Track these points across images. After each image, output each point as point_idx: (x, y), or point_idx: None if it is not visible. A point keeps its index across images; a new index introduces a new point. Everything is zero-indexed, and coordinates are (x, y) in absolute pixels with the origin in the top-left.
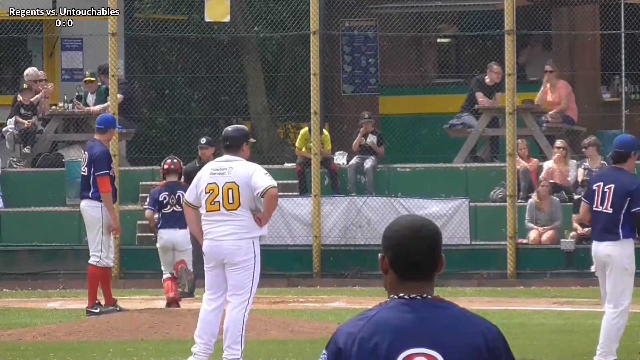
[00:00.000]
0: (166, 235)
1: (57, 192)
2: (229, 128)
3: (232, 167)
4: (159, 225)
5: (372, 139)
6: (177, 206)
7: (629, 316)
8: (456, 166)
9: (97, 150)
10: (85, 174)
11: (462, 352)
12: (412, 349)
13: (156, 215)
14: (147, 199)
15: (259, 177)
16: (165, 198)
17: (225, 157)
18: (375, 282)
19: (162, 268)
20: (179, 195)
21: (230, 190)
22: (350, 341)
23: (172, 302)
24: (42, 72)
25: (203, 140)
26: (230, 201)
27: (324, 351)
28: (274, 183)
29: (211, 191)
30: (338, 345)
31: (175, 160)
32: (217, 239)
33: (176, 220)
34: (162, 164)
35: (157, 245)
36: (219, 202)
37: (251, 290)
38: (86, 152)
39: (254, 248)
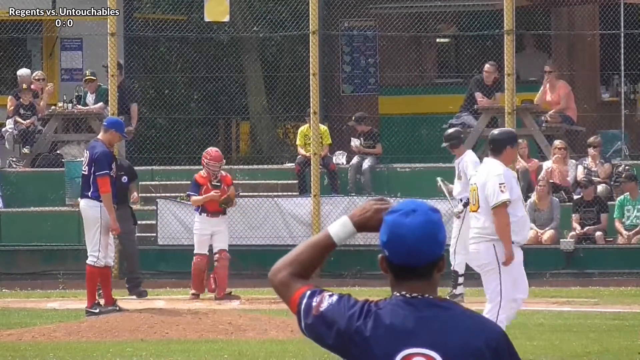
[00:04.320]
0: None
1: (57, 192)
2: (495, 130)
3: (483, 167)
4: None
5: (354, 142)
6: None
7: (629, 316)
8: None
9: (98, 150)
10: (86, 173)
11: (463, 354)
12: (411, 348)
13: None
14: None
15: (490, 188)
16: None
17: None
18: (375, 282)
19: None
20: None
21: (473, 192)
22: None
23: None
24: (40, 72)
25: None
26: (473, 202)
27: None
28: (504, 197)
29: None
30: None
31: (214, 150)
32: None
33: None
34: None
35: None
36: (474, 203)
37: (501, 295)
38: (87, 152)
39: (495, 251)
